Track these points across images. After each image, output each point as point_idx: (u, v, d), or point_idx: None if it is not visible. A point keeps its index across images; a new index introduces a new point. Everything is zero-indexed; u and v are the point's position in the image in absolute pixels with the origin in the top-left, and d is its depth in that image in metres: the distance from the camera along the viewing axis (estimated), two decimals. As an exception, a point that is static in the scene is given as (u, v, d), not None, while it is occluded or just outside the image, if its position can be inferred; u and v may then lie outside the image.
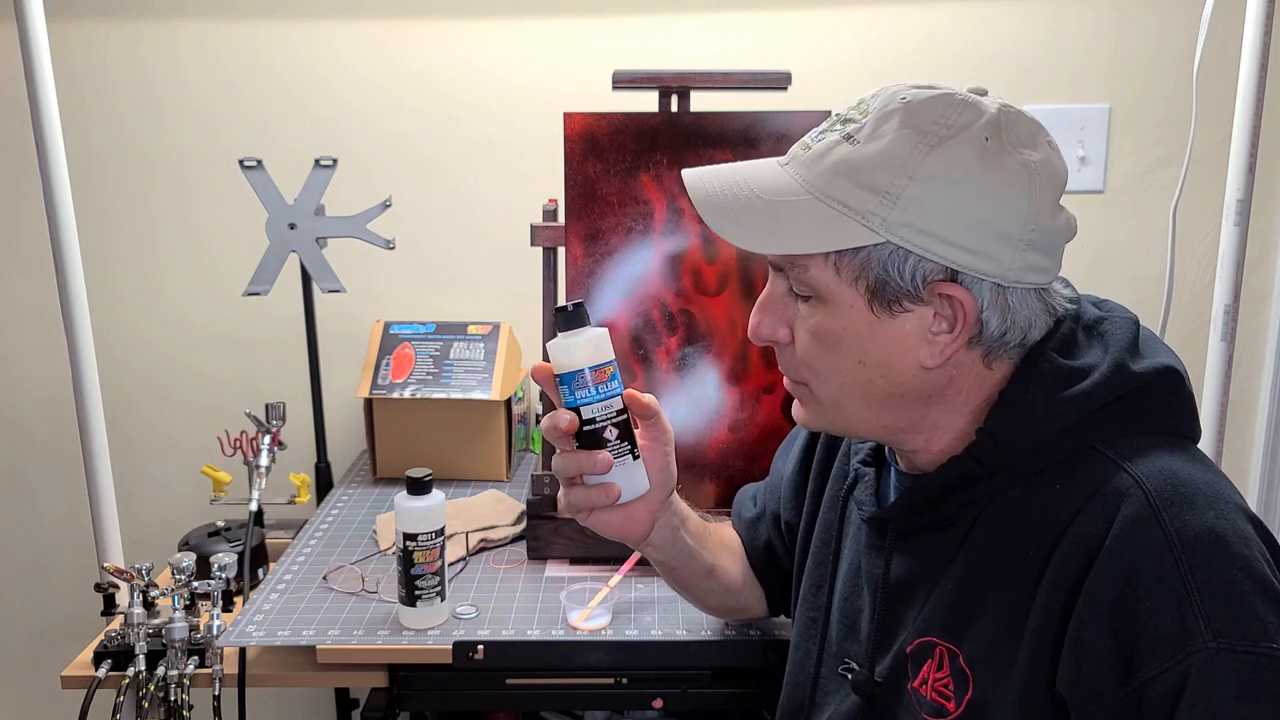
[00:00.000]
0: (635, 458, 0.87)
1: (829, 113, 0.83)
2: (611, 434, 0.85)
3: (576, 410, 0.85)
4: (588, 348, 0.85)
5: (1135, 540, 0.70)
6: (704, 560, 1.01)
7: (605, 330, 0.86)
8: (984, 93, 0.79)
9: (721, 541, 1.07)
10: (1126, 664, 0.68)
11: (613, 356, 0.86)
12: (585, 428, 0.85)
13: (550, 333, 1.30)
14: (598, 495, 0.86)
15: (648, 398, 0.88)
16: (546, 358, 0.86)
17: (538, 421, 1.74)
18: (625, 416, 0.86)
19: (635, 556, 1.23)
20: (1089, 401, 0.76)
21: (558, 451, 0.87)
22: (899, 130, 0.75)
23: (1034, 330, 0.79)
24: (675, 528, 0.95)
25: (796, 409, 0.88)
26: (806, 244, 0.77)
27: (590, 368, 0.84)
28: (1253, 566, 0.69)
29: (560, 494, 0.90)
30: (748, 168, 0.83)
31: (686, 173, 0.84)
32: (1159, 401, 0.78)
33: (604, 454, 0.85)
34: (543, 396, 1.36)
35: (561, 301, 0.85)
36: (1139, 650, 0.68)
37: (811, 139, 0.80)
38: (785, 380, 0.87)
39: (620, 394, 0.86)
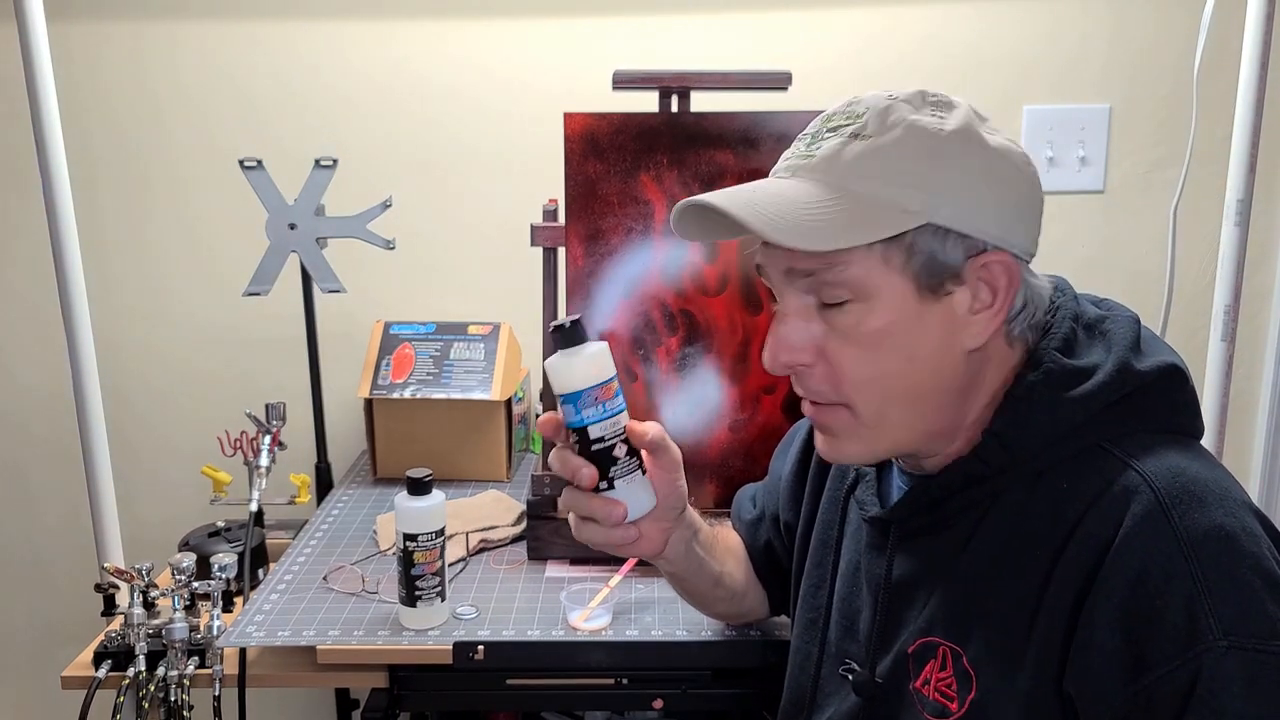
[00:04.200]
0: (643, 473, 0.85)
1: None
2: (620, 450, 0.83)
3: (584, 430, 0.82)
4: (589, 366, 0.82)
5: (1145, 539, 0.70)
6: (713, 569, 1.01)
7: (605, 345, 0.84)
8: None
9: (728, 548, 1.07)
10: (1136, 662, 0.69)
11: (615, 371, 0.83)
12: (594, 447, 0.83)
13: (550, 348, 1.31)
14: (599, 509, 0.84)
15: (647, 429, 0.85)
16: (546, 358, 0.85)
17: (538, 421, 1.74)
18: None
19: (635, 558, 1.23)
20: (1094, 401, 0.76)
21: (568, 490, 0.85)
22: (908, 119, 0.76)
23: (1040, 310, 0.81)
24: (688, 541, 0.95)
25: (827, 443, 0.84)
26: (858, 236, 0.75)
27: (594, 386, 0.82)
28: (1262, 564, 0.69)
29: (573, 525, 0.88)
30: (763, 185, 0.80)
31: (707, 196, 0.79)
32: (1163, 399, 0.78)
33: (621, 507, 0.84)
34: (543, 396, 1.36)
35: (559, 315, 0.82)
36: (1149, 648, 0.68)
37: (803, 151, 0.79)
38: (812, 409, 0.83)
39: (624, 410, 0.84)
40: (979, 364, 0.80)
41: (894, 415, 0.79)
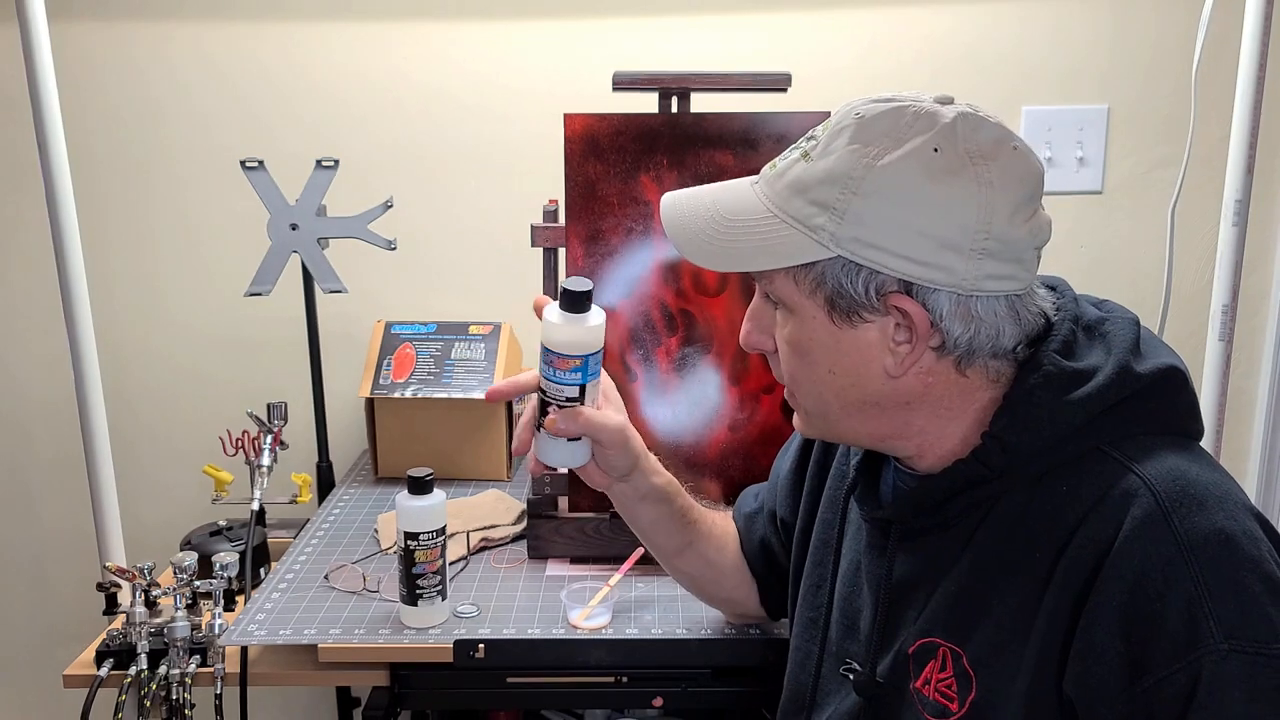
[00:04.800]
0: (571, 439, 0.93)
1: (828, 114, 0.83)
2: (553, 412, 0.92)
3: (539, 376, 0.92)
4: (567, 334, 0.89)
5: (1145, 542, 0.70)
6: (675, 539, 1.05)
7: (599, 325, 0.90)
8: (948, 100, 0.78)
9: (709, 531, 1.08)
10: (1136, 665, 0.69)
11: (586, 352, 0.90)
12: (540, 396, 0.93)
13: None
14: (517, 430, 0.96)
15: (557, 424, 0.92)
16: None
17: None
18: (573, 405, 0.91)
19: (635, 556, 1.23)
20: (1094, 404, 0.76)
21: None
22: (847, 146, 0.76)
23: (1004, 338, 0.78)
24: (634, 498, 1.00)
25: (795, 417, 0.89)
26: (761, 261, 0.79)
27: (558, 354, 0.89)
28: (1262, 567, 0.69)
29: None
30: (719, 189, 0.85)
31: (664, 199, 0.87)
32: (1163, 402, 0.78)
33: (524, 439, 0.95)
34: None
35: (574, 284, 0.90)
36: (1149, 652, 0.68)
37: (780, 157, 0.82)
38: (782, 388, 0.89)
39: (578, 385, 0.90)
40: (919, 384, 0.79)
41: (832, 414, 0.84)
